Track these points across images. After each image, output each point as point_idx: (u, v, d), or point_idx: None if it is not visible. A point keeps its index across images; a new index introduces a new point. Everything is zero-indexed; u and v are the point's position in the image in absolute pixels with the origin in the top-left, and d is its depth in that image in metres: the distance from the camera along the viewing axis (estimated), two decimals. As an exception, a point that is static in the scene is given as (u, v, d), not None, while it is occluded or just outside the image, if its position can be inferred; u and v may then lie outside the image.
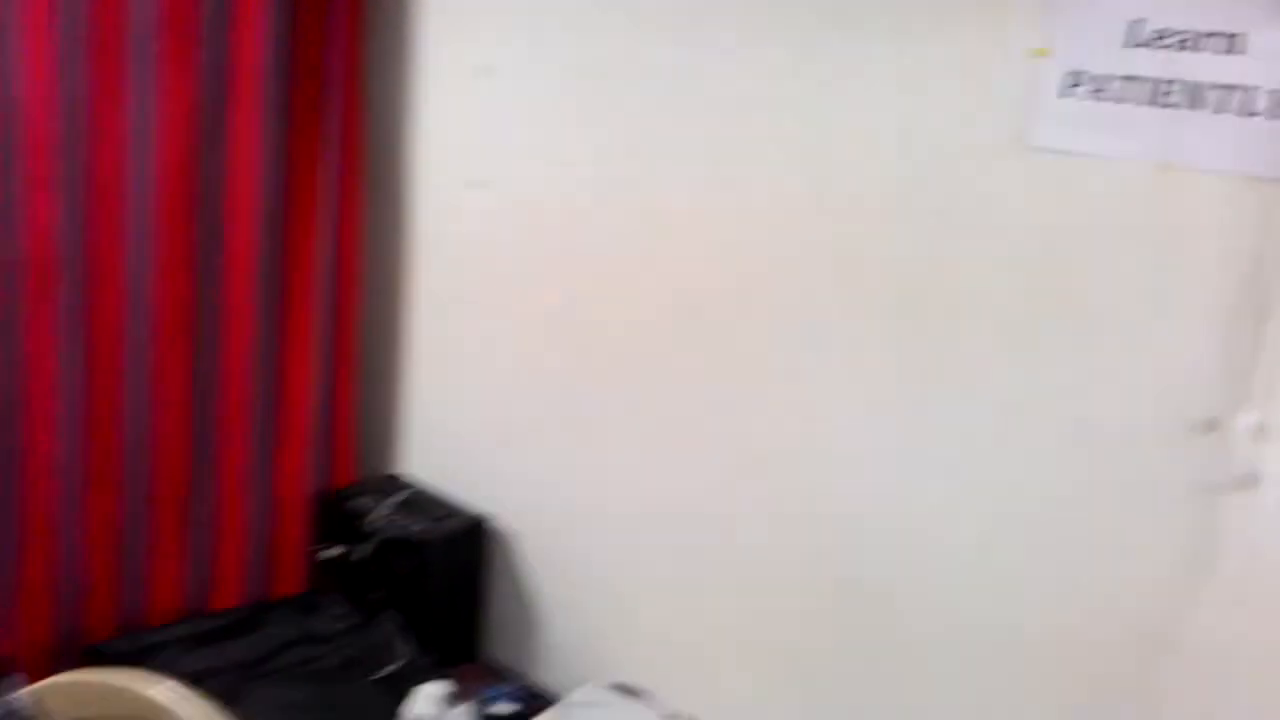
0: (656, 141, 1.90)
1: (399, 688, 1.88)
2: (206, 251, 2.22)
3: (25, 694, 1.07)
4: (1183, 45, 1.34)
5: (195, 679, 1.48)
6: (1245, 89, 1.29)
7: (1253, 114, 1.28)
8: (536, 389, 2.16)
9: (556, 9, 2.04)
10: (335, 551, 2.16)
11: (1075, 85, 1.43)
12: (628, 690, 1.92)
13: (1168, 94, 1.35)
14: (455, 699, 1.85)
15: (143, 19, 2.05)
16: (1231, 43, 1.30)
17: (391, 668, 1.97)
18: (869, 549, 1.68)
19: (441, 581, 2.07)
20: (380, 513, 2.10)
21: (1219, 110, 1.31)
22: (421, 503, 2.19)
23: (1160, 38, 1.35)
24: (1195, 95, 1.33)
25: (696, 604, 1.92)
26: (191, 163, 2.16)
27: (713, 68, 1.80)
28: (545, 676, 2.14)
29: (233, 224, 2.23)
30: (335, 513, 2.26)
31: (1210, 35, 1.31)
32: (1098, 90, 1.40)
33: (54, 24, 1.96)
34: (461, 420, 2.31)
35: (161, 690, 1.02)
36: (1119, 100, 1.39)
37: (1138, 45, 1.37)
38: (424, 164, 2.36)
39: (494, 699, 1.91)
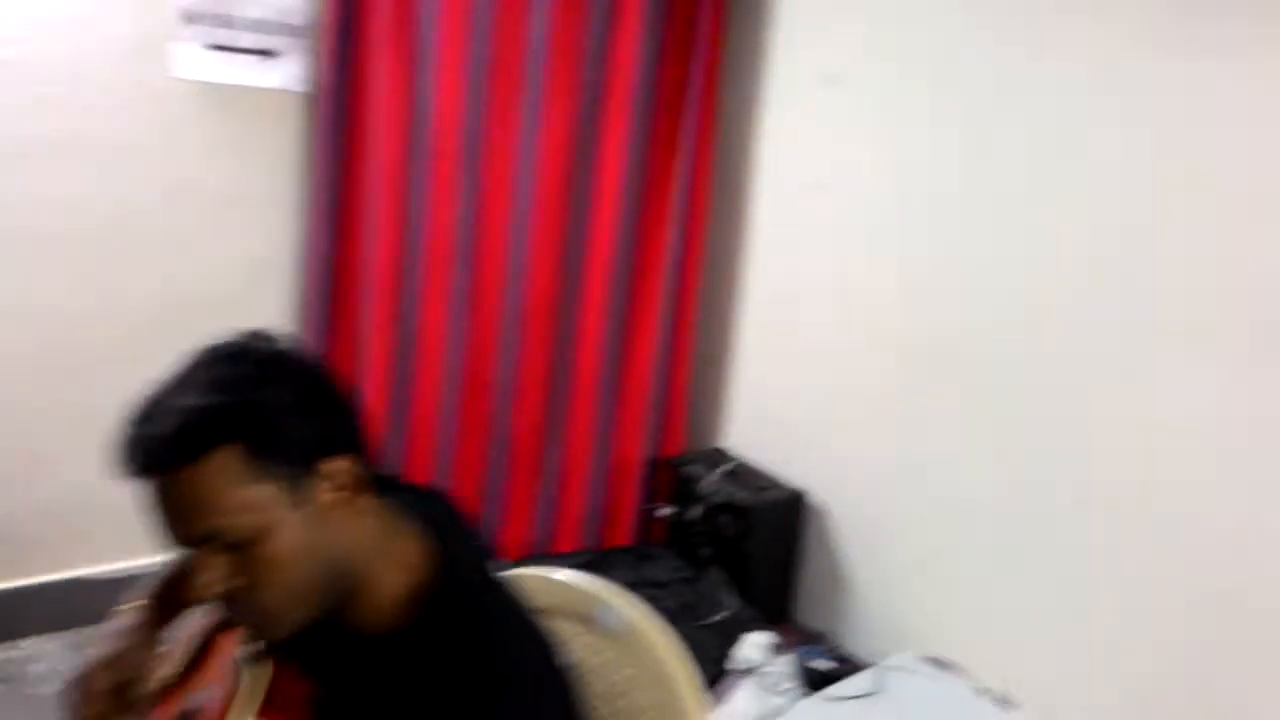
0: (999, 148, 1.99)
1: (726, 634, 2.11)
2: (572, 249, 2.56)
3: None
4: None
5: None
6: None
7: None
8: (863, 377, 2.31)
9: (904, 22, 2.18)
10: (669, 511, 2.44)
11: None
12: (939, 662, 2.04)
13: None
14: (778, 649, 2.05)
15: (538, 45, 2.39)
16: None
17: (718, 616, 2.20)
18: (1203, 549, 1.69)
19: (763, 546, 2.29)
20: (710, 480, 2.35)
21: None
22: (745, 474, 2.43)
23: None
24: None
25: (1012, 590, 2.00)
26: (567, 173, 2.49)
27: (1068, 81, 1.87)
28: (851, 643, 2.31)
29: (596, 227, 2.55)
30: (667, 478, 2.54)
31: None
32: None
33: (466, 50, 2.33)
34: (786, 402, 2.51)
35: (600, 586, 1.27)
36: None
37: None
38: (766, 167, 2.57)
39: (811, 656, 2.10)
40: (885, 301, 2.23)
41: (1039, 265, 1.93)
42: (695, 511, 2.34)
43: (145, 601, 1.17)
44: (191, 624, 1.26)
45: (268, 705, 1.02)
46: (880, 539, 2.25)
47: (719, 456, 2.53)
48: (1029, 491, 1.95)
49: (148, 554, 2.55)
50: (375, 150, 2.32)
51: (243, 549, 0.92)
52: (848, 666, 2.07)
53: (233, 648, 1.15)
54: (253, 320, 2.56)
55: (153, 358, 2.53)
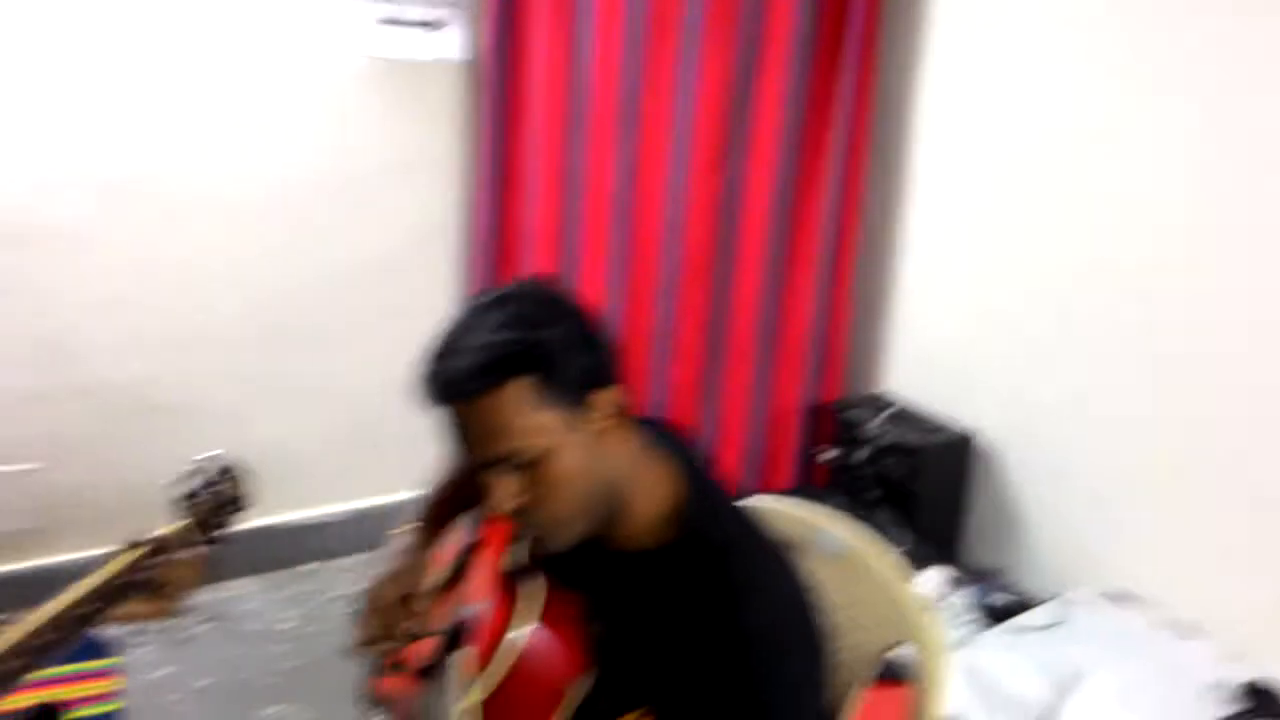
0: (1163, 80, 1.97)
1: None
2: (729, 201, 2.62)
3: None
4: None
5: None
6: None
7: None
8: (1028, 316, 2.32)
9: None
10: (832, 455, 2.50)
11: None
12: (1119, 595, 2.06)
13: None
14: (955, 584, 2.11)
15: (695, 1, 2.43)
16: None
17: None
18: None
19: (932, 487, 2.34)
20: (875, 424, 2.40)
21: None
22: (909, 417, 2.47)
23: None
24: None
25: (1191, 522, 2.00)
26: (724, 125, 2.54)
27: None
28: (1024, 581, 2.33)
29: (752, 177, 2.60)
30: (828, 422, 2.60)
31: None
32: None
33: (623, 9, 2.39)
34: (950, 345, 2.54)
35: (816, 512, 1.35)
36: None
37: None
38: (925, 110, 2.57)
39: (987, 591, 2.14)
40: (1048, 239, 2.24)
41: (1202, 197, 1.91)
42: (861, 454, 2.40)
43: (415, 525, 1.30)
44: (451, 544, 1.39)
45: (545, 615, 1.13)
46: (1052, 476, 2.27)
47: (880, 401, 2.57)
48: (1203, 425, 1.95)
49: (332, 502, 2.77)
50: (536, 113, 2.42)
51: (531, 469, 1.03)
52: (1024, 602, 2.10)
53: (495, 565, 1.27)
54: (423, 279, 2.74)
55: (334, 318, 2.72)
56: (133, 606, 1.16)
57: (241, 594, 2.60)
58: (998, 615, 2.04)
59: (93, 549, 2.39)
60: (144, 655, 2.34)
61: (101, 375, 2.39)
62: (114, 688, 2.22)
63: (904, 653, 1.80)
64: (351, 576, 2.71)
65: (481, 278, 2.53)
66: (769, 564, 1.11)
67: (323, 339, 2.60)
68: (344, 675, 2.28)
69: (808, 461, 2.71)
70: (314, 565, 2.74)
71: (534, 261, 2.51)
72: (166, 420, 2.45)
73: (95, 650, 2.30)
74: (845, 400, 2.62)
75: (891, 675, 1.80)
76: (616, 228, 2.55)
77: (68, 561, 2.40)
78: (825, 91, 2.56)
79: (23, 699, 1.04)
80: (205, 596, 2.60)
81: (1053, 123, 2.22)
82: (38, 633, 1.07)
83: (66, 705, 1.75)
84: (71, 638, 1.11)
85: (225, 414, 2.50)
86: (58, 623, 1.09)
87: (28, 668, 1.06)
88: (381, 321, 2.64)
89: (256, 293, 2.49)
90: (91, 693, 2.18)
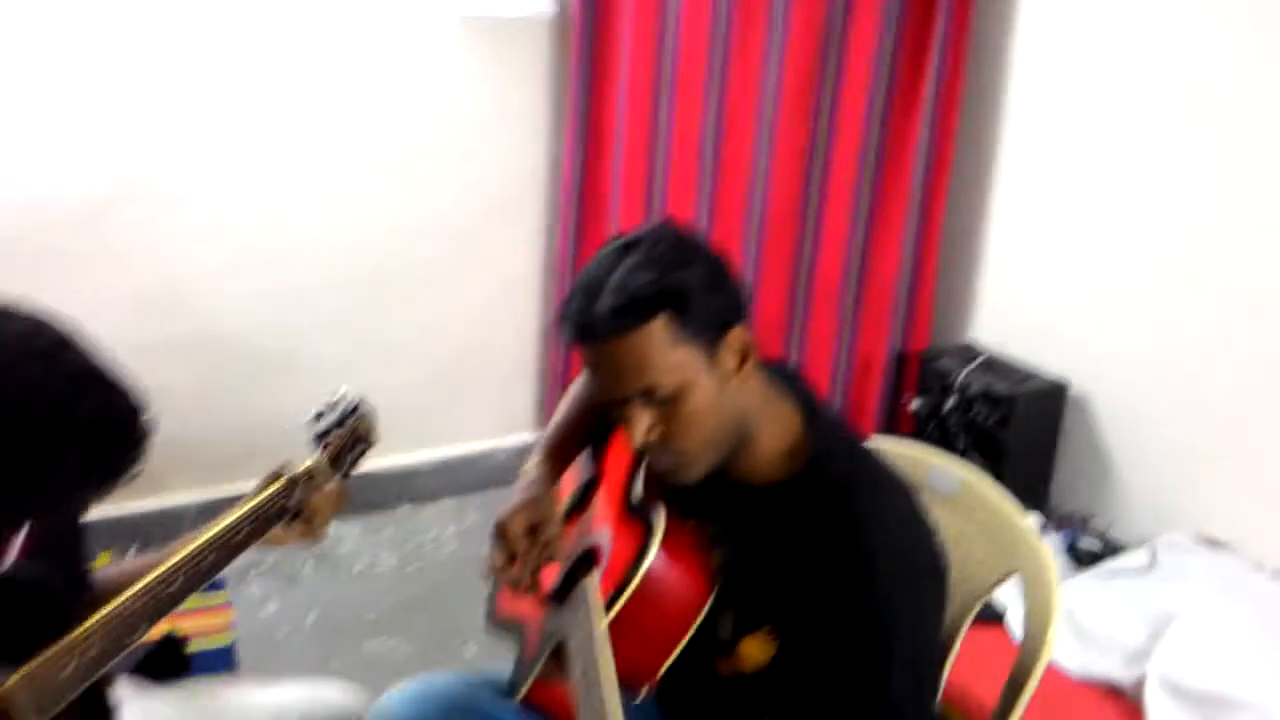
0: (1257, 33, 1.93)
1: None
2: (817, 150, 2.62)
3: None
4: None
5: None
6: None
7: None
8: (1121, 266, 2.31)
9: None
10: (920, 404, 2.52)
11: None
12: (1212, 540, 2.06)
13: None
14: (1044, 529, 2.13)
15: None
16: None
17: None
18: None
19: (1022, 435, 2.35)
20: (964, 373, 2.42)
21: None
22: (999, 366, 2.48)
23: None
24: None
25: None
26: (813, 74, 2.54)
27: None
28: (1114, 528, 2.32)
29: (842, 124, 2.60)
30: (914, 371, 2.62)
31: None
32: None
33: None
34: (1041, 295, 2.54)
35: (928, 450, 1.38)
36: None
37: None
38: (1022, 62, 2.54)
39: (1076, 536, 2.16)
40: (1144, 188, 2.22)
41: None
42: (950, 403, 2.42)
43: (541, 458, 1.36)
44: (572, 478, 1.45)
45: (668, 542, 1.19)
46: (1145, 425, 2.27)
47: (969, 350, 2.58)
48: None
49: (424, 448, 2.85)
50: (624, 67, 2.44)
51: (666, 404, 1.08)
52: (1113, 548, 2.12)
53: (617, 498, 1.33)
54: (512, 232, 2.80)
55: (427, 271, 2.79)
56: (280, 532, 1.25)
57: (342, 535, 2.71)
58: (1087, 561, 2.06)
59: (201, 492, 2.53)
60: (253, 593, 2.47)
61: (210, 327, 2.49)
62: (228, 622, 2.35)
63: (1004, 596, 1.84)
64: (442, 520, 2.81)
65: (569, 231, 2.58)
66: (890, 497, 1.15)
67: (416, 291, 2.68)
68: (441, 612, 2.41)
69: (893, 410, 2.73)
70: (407, 508, 2.85)
71: (621, 214, 2.55)
72: (270, 370, 2.55)
73: (210, 587, 2.44)
74: (933, 349, 2.63)
75: (991, 617, 1.85)
76: (703, 180, 2.58)
77: (178, 504, 2.53)
78: (919, 39, 2.55)
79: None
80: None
81: (1156, 68, 2.19)
82: (200, 554, 1.15)
83: (187, 637, 1.87)
84: (229, 559, 1.19)
85: (325, 364, 2.58)
86: (218, 545, 1.17)
87: (191, 587, 1.15)
88: (472, 273, 2.70)
89: (354, 246, 2.57)
90: (208, 626, 2.31)
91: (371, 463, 1.38)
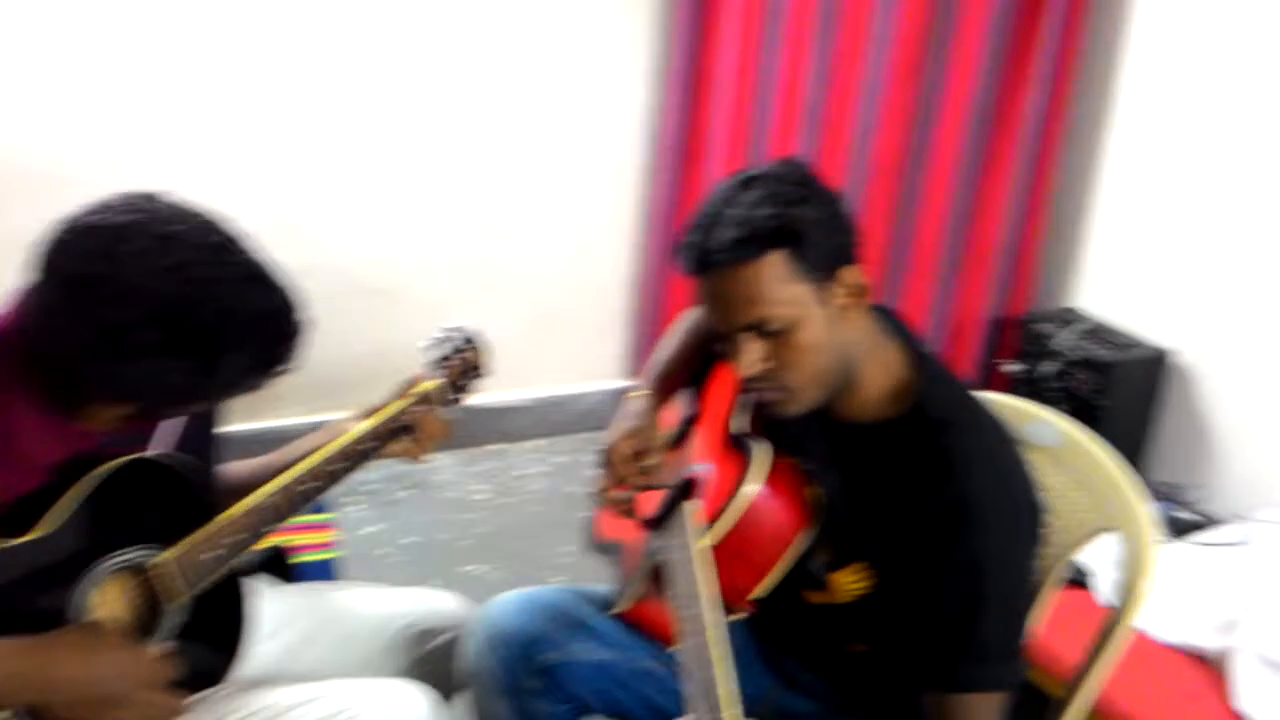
0: None
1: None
2: (925, 107, 2.59)
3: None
4: None
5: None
6: None
7: None
8: (1232, 236, 2.26)
9: None
10: (1016, 368, 2.50)
11: None
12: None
13: None
14: (1139, 499, 2.10)
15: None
16: None
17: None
18: None
19: (1121, 403, 2.32)
20: (1065, 338, 2.39)
21: None
22: (1102, 333, 2.45)
23: None
24: None
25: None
26: (925, 27, 2.50)
27: None
28: (1210, 500, 2.29)
29: (953, 81, 2.57)
30: (1013, 335, 2.60)
31: None
32: None
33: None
34: (1145, 263, 2.49)
35: (1029, 404, 1.39)
36: None
37: None
38: (1138, 23, 2.47)
39: (1171, 507, 2.13)
40: (1257, 158, 2.16)
41: None
42: (1049, 368, 2.40)
43: (646, 390, 1.41)
44: (674, 411, 1.50)
45: (769, 473, 1.23)
46: (1245, 398, 2.23)
47: (1071, 315, 2.55)
48: None
49: (518, 388, 2.91)
50: (732, 16, 2.43)
51: (777, 337, 1.11)
52: (1208, 520, 2.09)
53: (719, 430, 1.38)
54: (610, 178, 2.82)
55: (526, 213, 2.84)
56: (396, 446, 1.33)
57: (438, 466, 2.82)
58: (1181, 531, 2.04)
59: (306, 415, 2.65)
60: (356, 514, 2.59)
61: (321, 257, 2.59)
62: (331, 539, 2.47)
63: (1091, 560, 1.84)
64: (531, 459, 2.90)
65: (667, 180, 2.61)
66: (994, 440, 1.17)
67: (515, 235, 2.73)
68: (530, 544, 2.50)
69: (988, 372, 2.72)
70: (500, 445, 2.94)
71: (720, 165, 2.56)
72: (374, 303, 2.64)
73: (316, 505, 2.57)
74: (1034, 313, 2.60)
75: (1078, 580, 1.85)
76: (806, 132, 2.58)
77: (283, 425, 2.65)
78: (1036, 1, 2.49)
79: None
80: (408, 466, 2.86)
81: (1274, 37, 2.11)
82: (331, 459, 1.24)
83: (293, 550, 1.98)
84: (355, 467, 1.28)
85: (425, 301, 2.66)
86: (347, 454, 1.26)
87: (321, 489, 1.24)
88: (570, 219, 2.75)
89: (456, 189, 2.63)
90: (313, 541, 2.44)
91: (468, 400, 1.46)
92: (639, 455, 1.31)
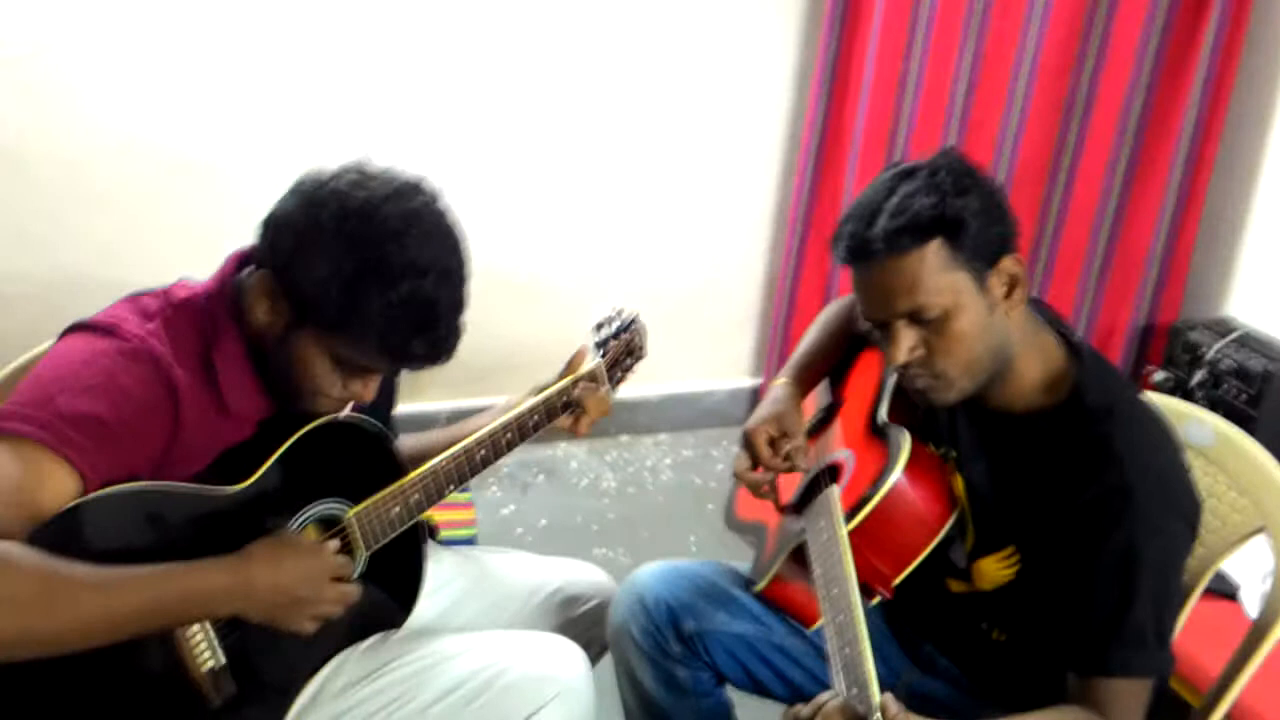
0: None
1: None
2: (1075, 110, 2.55)
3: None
4: None
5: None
6: None
7: None
8: None
9: None
10: (1164, 376, 2.44)
11: None
12: None
13: None
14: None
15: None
16: None
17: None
18: None
19: (1274, 415, 2.24)
20: (1218, 347, 2.31)
21: None
22: (1254, 342, 2.36)
23: None
24: None
25: None
26: (1077, 27, 2.45)
27: None
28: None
29: (1104, 83, 2.51)
30: (1159, 342, 2.53)
31: None
32: None
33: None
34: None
35: (1185, 405, 1.37)
36: None
37: None
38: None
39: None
40: None
41: None
42: (1199, 377, 2.32)
43: (788, 379, 1.46)
44: (813, 401, 1.54)
45: (912, 463, 1.25)
46: None
47: (1224, 324, 2.46)
48: None
49: (646, 383, 2.95)
50: (878, 14, 2.43)
51: (933, 325, 1.14)
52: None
53: (860, 420, 1.41)
54: (749, 178, 2.83)
55: (665, 213, 2.88)
56: (561, 421, 1.41)
57: (569, 455, 2.92)
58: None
59: (450, 400, 2.77)
60: (492, 496, 2.71)
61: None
62: (471, 518, 2.59)
63: (1240, 574, 1.79)
64: (659, 451, 2.97)
65: (805, 182, 2.63)
66: (1153, 433, 1.17)
67: (651, 231, 2.79)
68: (658, 531, 2.57)
69: (1135, 380, 2.65)
70: (626, 438, 3.02)
71: (859, 168, 2.57)
72: (515, 297, 2.74)
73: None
74: (1184, 321, 2.52)
75: (1226, 593, 1.80)
76: (947, 136, 2.56)
77: (431, 410, 2.79)
78: (1197, 2, 2.42)
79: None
80: (541, 453, 2.97)
81: None
82: (502, 431, 1.33)
83: (438, 526, 2.10)
84: (522, 439, 1.36)
85: (563, 296, 2.74)
86: (515, 426, 1.34)
87: (492, 458, 1.32)
88: (706, 217, 2.79)
89: (596, 185, 2.69)
90: (455, 519, 2.57)
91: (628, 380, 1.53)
92: (779, 440, 1.36)
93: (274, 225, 1.12)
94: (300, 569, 1.09)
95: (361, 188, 1.10)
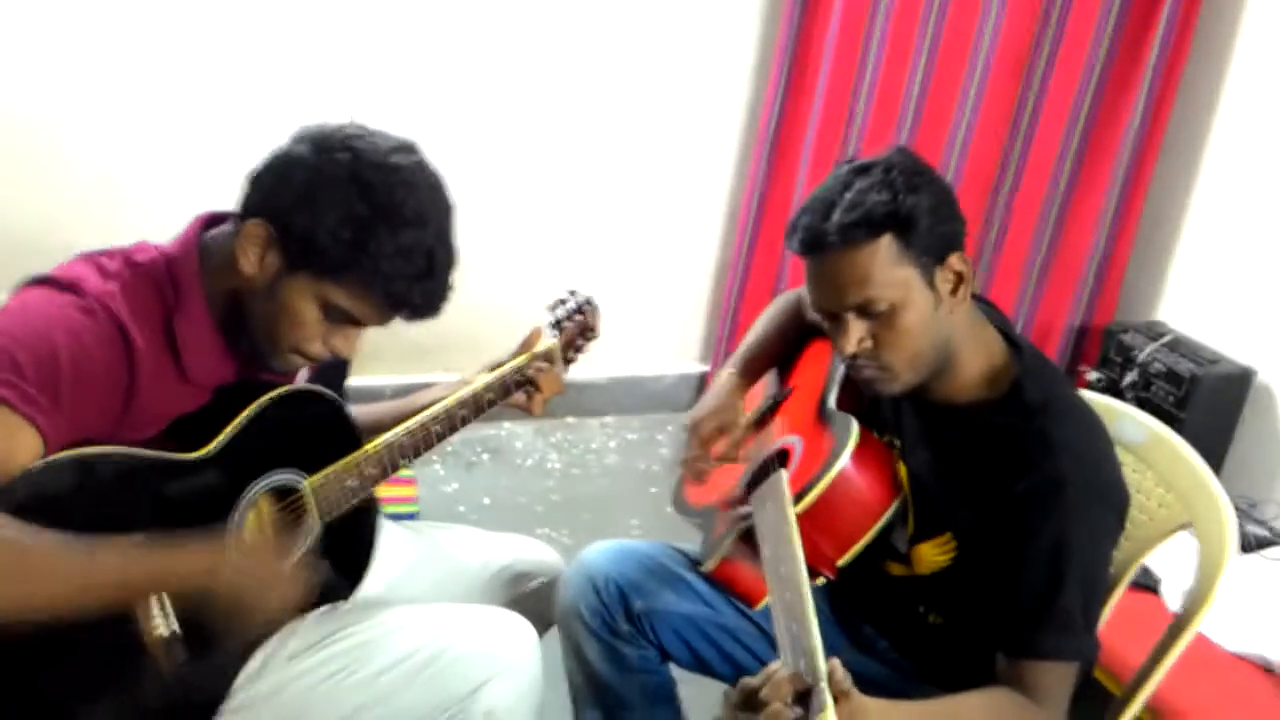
0: None
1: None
2: (1025, 110, 2.62)
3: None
4: None
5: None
6: None
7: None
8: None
9: None
10: (1096, 377, 2.52)
11: None
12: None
13: None
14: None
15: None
16: None
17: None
18: None
19: (1201, 417, 2.33)
20: (1149, 350, 2.40)
21: None
22: (1184, 347, 2.46)
23: None
24: None
25: None
26: (1032, 34, 2.52)
27: None
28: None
29: (1054, 90, 2.58)
30: (1093, 343, 2.61)
31: None
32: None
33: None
34: (1234, 280, 2.50)
35: (1116, 403, 1.43)
36: None
37: None
38: (1243, 53, 2.48)
39: (1243, 522, 2.14)
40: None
41: None
42: (1131, 378, 2.41)
43: (733, 370, 1.49)
44: (760, 390, 1.57)
45: (859, 450, 1.29)
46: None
47: (1156, 328, 2.56)
48: None
49: (593, 366, 2.97)
50: (837, 12, 2.47)
51: (881, 318, 1.17)
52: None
53: (807, 409, 1.45)
54: (704, 170, 2.86)
55: (626, 201, 2.89)
56: (515, 399, 1.42)
57: (514, 434, 2.92)
58: (1252, 546, 2.05)
59: (398, 376, 2.75)
60: (435, 473, 2.71)
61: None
62: (414, 494, 2.59)
63: (1161, 569, 1.87)
64: (604, 434, 2.99)
65: (758, 175, 2.66)
66: (1087, 426, 1.22)
67: (605, 218, 2.80)
68: (601, 514, 2.59)
69: (1069, 378, 2.73)
70: (573, 419, 3.03)
71: (811, 164, 2.61)
72: (465, 275, 2.72)
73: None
74: (1118, 324, 2.62)
75: (1148, 586, 1.88)
76: (900, 136, 2.61)
77: (378, 384, 2.76)
78: (1145, 16, 2.51)
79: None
80: (487, 432, 2.96)
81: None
82: (458, 407, 1.33)
83: (379, 501, 2.10)
84: (477, 415, 1.37)
85: (514, 274, 2.73)
86: (471, 403, 1.35)
87: (447, 433, 1.33)
88: (659, 206, 2.81)
89: (549, 168, 2.70)
90: (398, 494, 2.56)
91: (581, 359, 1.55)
92: (720, 430, 1.39)
93: (275, 172, 1.11)
94: (262, 569, 1.10)
95: (368, 139, 1.11)
